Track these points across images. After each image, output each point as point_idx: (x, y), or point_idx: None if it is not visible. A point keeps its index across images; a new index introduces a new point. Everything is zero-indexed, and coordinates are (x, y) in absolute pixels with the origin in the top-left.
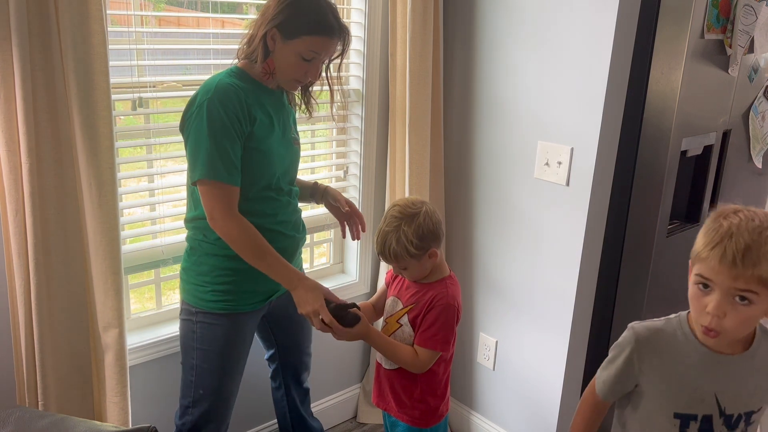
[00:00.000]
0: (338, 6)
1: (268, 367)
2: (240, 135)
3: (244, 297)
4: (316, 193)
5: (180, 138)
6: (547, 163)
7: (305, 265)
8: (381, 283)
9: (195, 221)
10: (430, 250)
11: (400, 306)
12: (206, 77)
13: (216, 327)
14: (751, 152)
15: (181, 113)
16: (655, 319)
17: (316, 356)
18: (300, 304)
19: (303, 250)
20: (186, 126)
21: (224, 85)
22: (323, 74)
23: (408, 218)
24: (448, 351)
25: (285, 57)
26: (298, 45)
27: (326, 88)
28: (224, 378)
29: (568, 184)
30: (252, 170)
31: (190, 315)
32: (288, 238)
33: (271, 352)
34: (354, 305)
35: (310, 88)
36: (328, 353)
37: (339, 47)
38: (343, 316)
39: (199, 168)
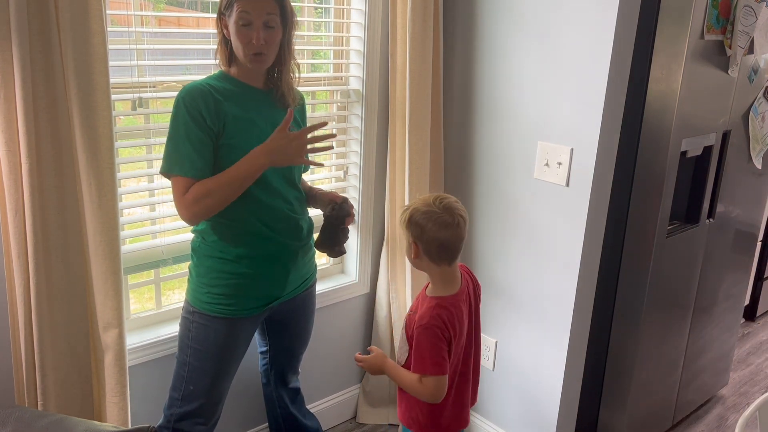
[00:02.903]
0: (338, 6)
1: (260, 362)
2: (205, 131)
3: (241, 302)
4: (309, 197)
5: None
6: (547, 164)
7: None
8: (380, 284)
9: (196, 225)
10: (411, 240)
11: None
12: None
13: (210, 329)
14: (751, 153)
15: None
16: None
17: (316, 356)
18: (284, 158)
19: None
20: None
21: (193, 85)
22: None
23: (425, 206)
24: (442, 371)
25: (232, 34)
26: (233, 16)
27: (326, 88)
28: (216, 379)
29: (568, 184)
30: (228, 167)
31: (188, 314)
32: (279, 244)
33: (265, 348)
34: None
35: (281, 74)
36: (327, 354)
37: (275, 8)
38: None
39: (162, 163)
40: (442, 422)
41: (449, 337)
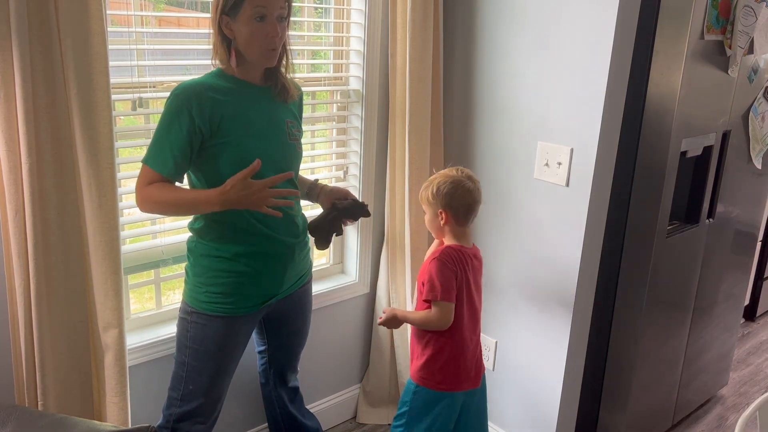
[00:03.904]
0: (338, 6)
1: (258, 361)
2: (190, 133)
3: (239, 300)
4: (313, 191)
5: None
6: (546, 164)
7: None
8: (380, 284)
9: (193, 222)
10: (439, 209)
11: None
12: None
13: (208, 328)
14: (751, 153)
15: None
16: None
17: (316, 356)
18: (245, 204)
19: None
20: None
21: (188, 84)
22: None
23: (449, 177)
24: (450, 299)
25: (242, 32)
26: (246, 12)
27: (326, 88)
28: (215, 378)
29: (567, 184)
30: (226, 166)
31: (186, 314)
32: (277, 242)
33: (263, 347)
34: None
35: (283, 70)
36: (327, 354)
37: (284, 0)
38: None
39: (145, 152)
40: (439, 368)
41: (455, 272)
